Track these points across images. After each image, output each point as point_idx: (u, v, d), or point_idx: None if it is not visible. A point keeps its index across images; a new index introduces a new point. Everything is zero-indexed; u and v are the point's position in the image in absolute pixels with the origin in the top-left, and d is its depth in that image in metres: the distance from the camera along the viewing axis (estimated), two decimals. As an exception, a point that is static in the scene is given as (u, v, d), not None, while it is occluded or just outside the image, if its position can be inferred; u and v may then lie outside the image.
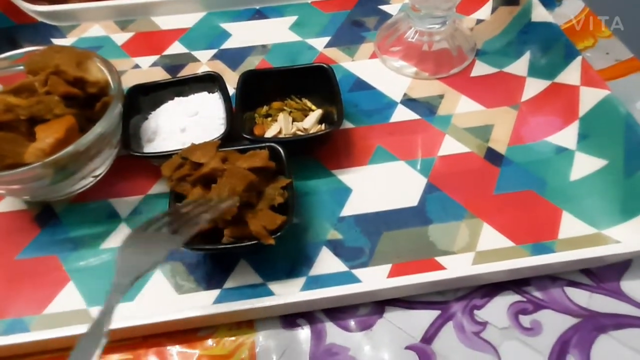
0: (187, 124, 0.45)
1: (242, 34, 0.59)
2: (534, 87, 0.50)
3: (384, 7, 0.61)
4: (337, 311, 0.37)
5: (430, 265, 0.39)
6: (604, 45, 0.56)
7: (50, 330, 0.34)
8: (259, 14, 0.61)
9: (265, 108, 0.48)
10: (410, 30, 0.54)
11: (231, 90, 0.47)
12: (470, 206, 0.42)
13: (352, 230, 0.41)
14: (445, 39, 0.53)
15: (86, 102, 0.41)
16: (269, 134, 0.46)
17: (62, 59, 0.40)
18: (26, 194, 0.41)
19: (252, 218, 0.36)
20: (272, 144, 0.41)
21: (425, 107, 0.50)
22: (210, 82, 0.48)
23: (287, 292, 0.37)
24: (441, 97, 0.51)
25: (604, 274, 0.38)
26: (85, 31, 0.59)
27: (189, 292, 0.38)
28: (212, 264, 0.39)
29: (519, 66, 0.52)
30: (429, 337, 0.36)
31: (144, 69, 0.55)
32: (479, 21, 0.59)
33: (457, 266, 0.38)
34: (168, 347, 0.36)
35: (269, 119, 0.48)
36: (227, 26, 0.60)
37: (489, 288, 0.38)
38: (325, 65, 0.48)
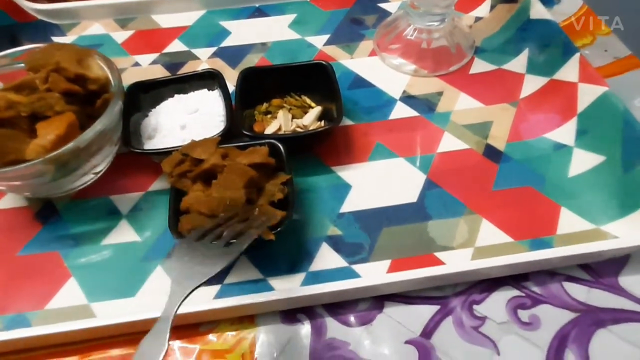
0: (187, 121, 0.45)
1: (242, 31, 0.59)
2: (532, 84, 0.50)
3: (383, 5, 0.62)
4: (337, 306, 0.37)
5: (429, 260, 0.39)
6: (602, 42, 0.56)
7: (51, 325, 0.35)
8: (259, 12, 0.61)
9: (265, 105, 0.49)
10: (409, 27, 0.54)
11: (231, 88, 0.48)
12: (469, 202, 0.42)
13: (352, 226, 0.41)
14: (444, 37, 0.54)
15: (87, 99, 0.41)
16: (269, 130, 0.46)
17: (63, 56, 0.40)
18: (27, 190, 0.41)
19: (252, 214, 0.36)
20: (272, 141, 0.41)
21: (425, 104, 0.50)
22: (210, 79, 0.48)
23: (288, 288, 0.37)
24: (440, 94, 0.51)
25: (602, 269, 0.39)
26: (86, 29, 0.60)
27: (189, 288, 0.38)
28: (213, 259, 0.39)
29: (518, 63, 0.53)
30: (428, 332, 0.36)
31: (144, 67, 0.55)
32: (477, 19, 0.59)
33: (456, 261, 0.39)
34: (169, 342, 0.36)
35: (269, 116, 0.48)
36: (226, 24, 0.60)
37: (488, 283, 0.38)
38: (324, 63, 0.48)
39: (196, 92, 0.48)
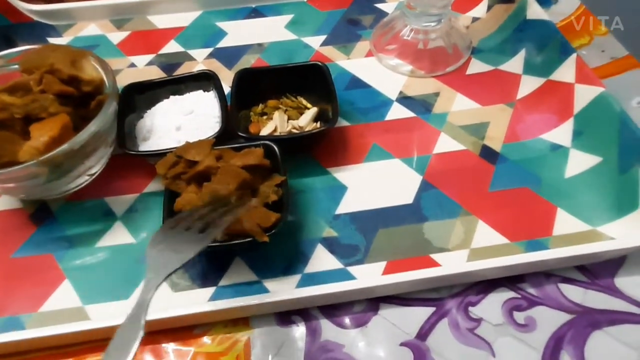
0: (183, 122, 0.45)
1: (238, 32, 0.59)
2: (529, 84, 0.50)
3: (379, 6, 0.61)
4: (332, 308, 0.37)
5: (425, 262, 0.39)
6: (599, 42, 0.56)
7: (46, 328, 0.34)
8: (255, 13, 0.61)
9: (260, 106, 0.48)
10: (406, 28, 0.54)
11: (227, 89, 0.48)
12: (465, 203, 0.42)
13: (348, 228, 0.41)
14: (441, 37, 0.53)
15: (81, 100, 0.41)
16: (265, 132, 0.46)
17: (57, 57, 0.40)
18: (21, 192, 0.41)
19: (246, 215, 0.36)
20: (267, 142, 0.41)
21: (421, 105, 0.50)
22: (205, 80, 0.48)
23: (283, 289, 0.37)
24: (437, 95, 0.51)
25: (598, 270, 0.39)
26: (81, 30, 0.59)
27: (184, 290, 0.38)
28: (207, 261, 0.39)
29: (515, 64, 0.52)
30: (423, 334, 0.36)
31: (140, 68, 0.55)
32: (474, 19, 0.59)
33: (451, 263, 0.38)
34: (163, 345, 0.36)
35: (265, 117, 0.48)
36: (222, 25, 0.60)
37: (484, 285, 0.38)
38: (320, 64, 0.48)
39: (191, 93, 0.48)
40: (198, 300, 0.37)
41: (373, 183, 0.44)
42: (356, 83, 0.53)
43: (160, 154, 0.40)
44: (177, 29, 0.59)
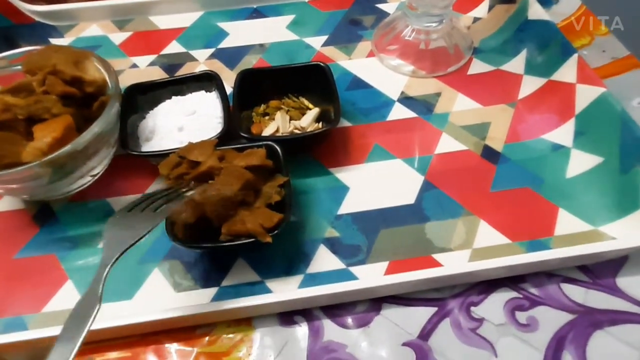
0: (185, 123, 0.45)
1: (240, 33, 0.59)
2: (530, 84, 0.50)
3: (381, 6, 0.62)
4: (335, 308, 0.37)
5: (427, 262, 0.39)
6: (600, 43, 0.56)
7: (48, 328, 0.34)
8: (257, 13, 0.61)
9: (262, 107, 0.49)
10: (408, 28, 0.54)
11: (229, 89, 0.48)
12: (467, 203, 0.42)
13: (350, 228, 0.41)
14: (442, 37, 0.54)
15: (84, 101, 0.41)
16: (267, 132, 0.46)
17: (60, 58, 0.40)
18: (24, 193, 0.41)
19: (249, 216, 0.36)
20: (270, 143, 0.41)
21: (423, 105, 0.50)
22: (207, 81, 0.48)
23: (285, 290, 0.37)
24: (438, 95, 0.51)
25: (599, 270, 0.39)
26: (83, 31, 0.60)
27: (187, 290, 0.38)
28: (210, 262, 0.39)
29: (516, 64, 0.52)
30: (425, 334, 0.36)
31: (142, 69, 0.55)
32: (475, 19, 0.59)
33: (453, 263, 0.39)
34: (166, 345, 0.36)
35: (267, 117, 0.48)
36: (224, 25, 0.60)
37: (486, 285, 0.38)
38: (322, 64, 0.48)
39: (194, 93, 0.48)
40: (201, 301, 0.37)
41: (375, 183, 0.44)
42: (358, 83, 0.53)
43: (162, 155, 0.40)
44: (178, 30, 0.59)
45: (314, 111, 0.47)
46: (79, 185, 0.42)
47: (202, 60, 0.56)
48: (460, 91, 0.51)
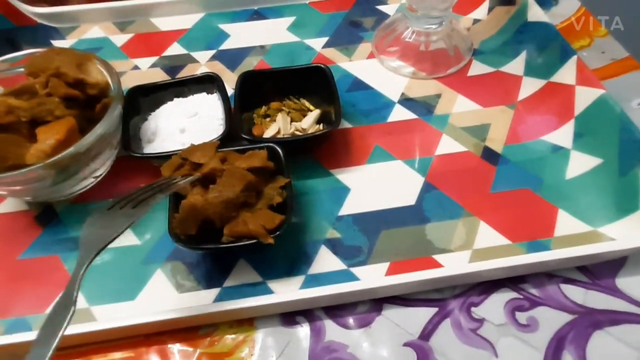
0: (187, 124, 0.45)
1: (241, 34, 0.59)
2: (530, 86, 0.50)
3: (381, 8, 0.62)
4: (336, 309, 0.37)
5: (427, 263, 0.39)
6: (599, 44, 0.56)
7: (52, 329, 0.35)
8: (257, 15, 0.62)
9: (263, 108, 0.49)
10: (408, 30, 0.54)
11: (230, 91, 0.48)
12: (467, 204, 0.42)
13: (351, 229, 0.41)
14: (442, 39, 0.54)
15: (86, 103, 0.41)
16: (268, 134, 0.46)
17: (63, 61, 0.41)
18: (28, 194, 0.41)
19: (251, 217, 0.36)
20: (271, 144, 0.41)
21: (423, 107, 0.50)
22: (209, 83, 0.48)
23: (287, 291, 0.38)
24: (438, 96, 0.51)
25: (599, 271, 0.39)
26: (85, 33, 0.60)
27: (189, 291, 0.38)
28: (212, 263, 0.40)
29: (516, 66, 0.53)
30: (426, 334, 0.36)
31: (143, 70, 0.55)
32: (475, 21, 0.59)
33: (454, 264, 0.39)
34: (169, 345, 0.36)
35: (268, 119, 0.48)
36: (225, 27, 0.60)
37: (486, 285, 0.38)
38: (323, 66, 0.48)
39: (195, 95, 0.48)
40: (203, 301, 0.37)
41: (375, 184, 0.44)
42: (358, 85, 0.53)
43: (165, 156, 0.41)
44: (180, 31, 0.60)
45: (315, 113, 0.48)
46: (82, 186, 0.42)
47: (203, 62, 0.56)
48: (460, 92, 0.52)
